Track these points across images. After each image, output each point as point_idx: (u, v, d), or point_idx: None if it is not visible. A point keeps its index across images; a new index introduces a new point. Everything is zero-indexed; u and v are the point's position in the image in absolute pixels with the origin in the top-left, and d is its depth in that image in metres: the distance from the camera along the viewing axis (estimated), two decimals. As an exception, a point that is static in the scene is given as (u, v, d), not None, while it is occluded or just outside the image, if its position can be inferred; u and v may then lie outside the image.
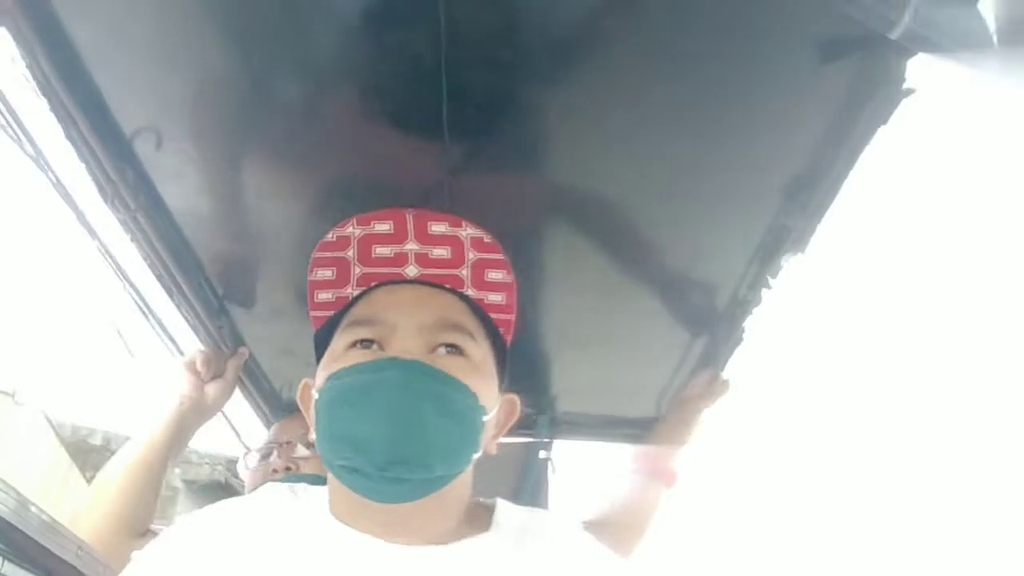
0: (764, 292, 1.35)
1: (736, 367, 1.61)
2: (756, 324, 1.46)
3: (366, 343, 0.94)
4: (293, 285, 1.47)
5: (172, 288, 1.41)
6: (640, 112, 1.06)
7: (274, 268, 1.45)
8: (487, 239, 1.03)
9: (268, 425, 1.95)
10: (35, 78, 1.00)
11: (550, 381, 1.74)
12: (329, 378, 0.92)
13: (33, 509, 0.97)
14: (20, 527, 0.94)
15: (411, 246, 1.02)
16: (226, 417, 1.80)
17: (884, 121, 0.97)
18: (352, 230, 1.03)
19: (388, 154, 1.16)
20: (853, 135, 1.03)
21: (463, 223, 1.03)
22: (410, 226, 1.02)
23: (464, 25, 0.94)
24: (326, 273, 1.03)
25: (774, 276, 1.31)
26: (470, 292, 1.02)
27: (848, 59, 0.95)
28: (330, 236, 1.04)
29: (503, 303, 1.03)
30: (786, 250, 1.25)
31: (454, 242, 1.02)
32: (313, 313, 1.05)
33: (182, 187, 1.24)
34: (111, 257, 1.36)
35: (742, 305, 1.42)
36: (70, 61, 1.02)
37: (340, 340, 0.96)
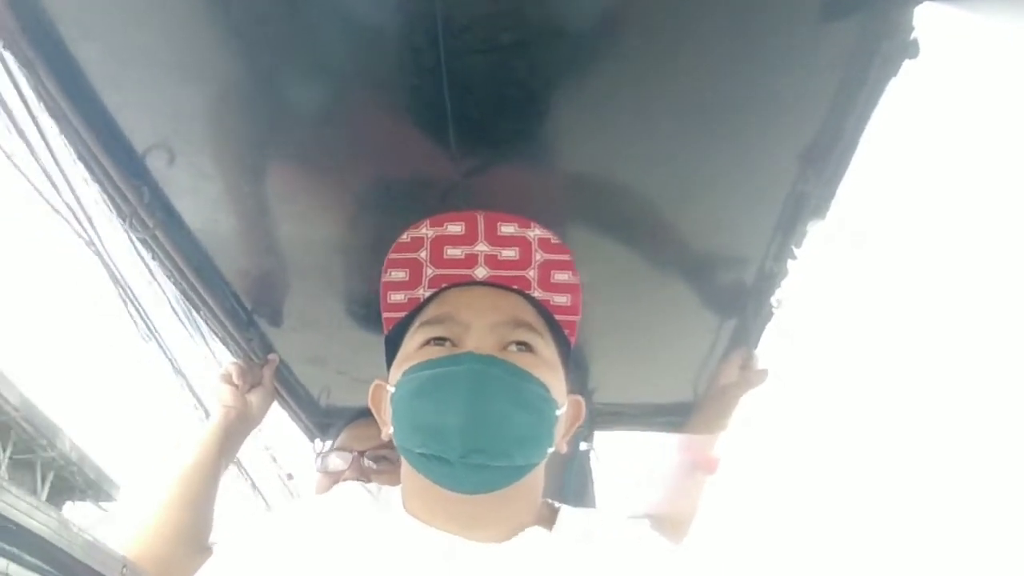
0: (790, 263, 1.32)
1: (769, 350, 1.59)
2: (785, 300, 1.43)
3: (439, 341, 0.97)
4: (319, 293, 1.48)
5: (199, 303, 1.43)
6: (649, 93, 1.04)
7: (299, 277, 1.46)
8: (554, 240, 1.07)
9: (310, 434, 1.97)
10: (43, 100, 1.02)
11: (586, 374, 1.73)
12: (407, 372, 0.95)
13: (74, 528, 0.99)
14: (63, 547, 0.95)
15: (481, 247, 1.05)
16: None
17: (894, 73, 0.94)
18: (426, 231, 1.07)
19: (401, 155, 1.16)
20: (863, 92, 1.00)
21: (532, 224, 1.07)
22: (481, 227, 1.06)
23: (462, 16, 0.94)
24: (400, 274, 1.07)
25: (798, 245, 1.28)
26: (536, 293, 1.04)
27: (853, 14, 0.92)
28: (404, 237, 1.08)
29: (568, 304, 1.06)
30: (807, 217, 1.22)
31: (522, 243, 1.06)
32: (386, 314, 1.08)
33: (199, 202, 1.25)
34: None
35: (769, 278, 1.39)
36: (77, 81, 1.04)
37: (413, 339, 0.99)
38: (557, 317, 1.05)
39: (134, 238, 1.23)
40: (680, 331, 1.59)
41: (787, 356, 1.63)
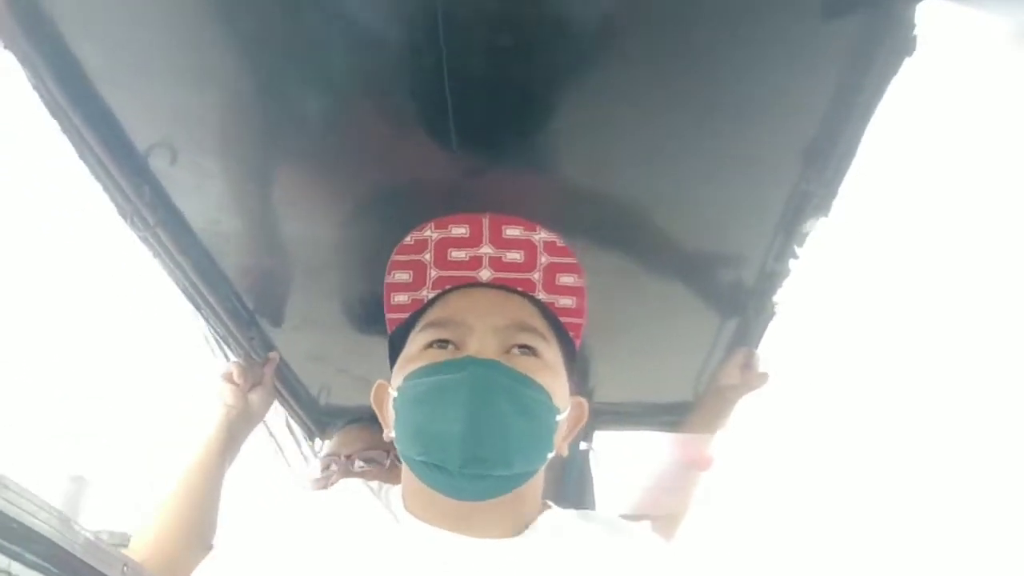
0: (791, 262, 1.32)
1: (770, 350, 1.59)
2: (787, 300, 1.43)
3: (442, 343, 0.97)
4: (320, 292, 1.49)
5: (200, 302, 1.43)
6: (651, 92, 1.04)
7: (301, 276, 1.46)
8: (559, 243, 1.07)
9: (310, 434, 1.97)
10: (43, 99, 1.01)
11: (586, 373, 1.73)
12: (408, 377, 0.95)
13: (76, 527, 0.99)
14: (64, 546, 0.95)
15: (486, 250, 1.06)
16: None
17: (896, 71, 0.94)
18: (430, 233, 1.08)
19: (402, 155, 1.16)
20: (865, 90, 0.99)
21: (537, 227, 1.07)
22: (485, 230, 1.06)
23: (463, 16, 0.93)
24: (403, 276, 1.07)
25: (800, 245, 1.28)
26: (541, 296, 1.05)
27: (854, 11, 0.92)
28: (408, 239, 1.08)
29: (573, 307, 1.07)
30: (809, 216, 1.22)
31: (527, 246, 1.06)
32: (389, 316, 1.08)
33: (200, 200, 1.25)
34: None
35: (770, 278, 1.38)
36: (79, 80, 1.04)
37: (416, 341, 0.99)
38: (562, 320, 1.05)
39: (135, 236, 1.23)
40: (681, 331, 1.59)
41: (788, 356, 1.63)
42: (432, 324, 1.00)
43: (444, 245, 1.06)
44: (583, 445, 1.89)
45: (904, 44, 0.91)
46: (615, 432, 1.92)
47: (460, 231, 1.07)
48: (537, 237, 1.07)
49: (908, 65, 0.92)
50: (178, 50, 1.02)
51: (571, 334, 1.06)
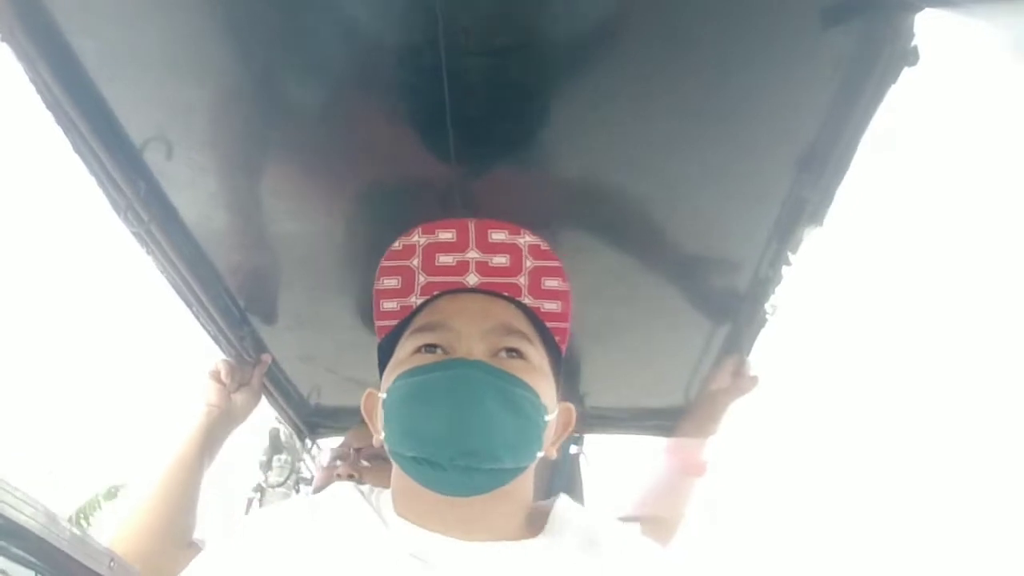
0: (785, 269, 1.32)
1: (762, 356, 1.59)
2: (779, 307, 1.43)
3: (431, 348, 0.98)
4: (313, 292, 1.48)
5: (191, 300, 1.42)
6: (648, 97, 1.04)
7: (293, 275, 1.45)
8: (544, 246, 1.07)
9: (300, 434, 1.97)
10: (39, 92, 1.01)
11: (577, 377, 1.73)
12: (398, 378, 0.95)
13: (63, 523, 0.98)
14: (51, 541, 0.94)
15: (472, 254, 1.06)
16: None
17: (894, 80, 0.95)
18: (417, 239, 1.08)
19: (399, 155, 1.16)
20: (863, 98, 1.00)
21: (522, 231, 1.08)
22: (472, 234, 1.07)
23: (463, 17, 0.93)
24: (392, 282, 1.08)
25: (794, 251, 1.28)
26: (527, 300, 1.05)
27: (853, 21, 0.93)
28: (396, 245, 1.08)
29: (559, 311, 1.07)
30: (804, 223, 1.22)
31: (513, 250, 1.06)
32: (379, 322, 1.09)
33: (195, 197, 1.25)
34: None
35: (764, 284, 1.39)
36: (75, 74, 1.03)
37: (405, 346, 1.00)
38: (547, 324, 1.06)
39: (129, 232, 1.22)
40: (673, 335, 1.59)
41: (780, 361, 1.63)
42: (421, 329, 1.00)
43: (432, 250, 1.07)
44: (573, 449, 1.89)
45: (904, 54, 0.91)
46: (606, 436, 1.92)
47: (447, 236, 1.07)
48: (522, 241, 1.08)
49: (906, 75, 0.92)
50: (176, 45, 1.01)
51: (557, 338, 1.07)
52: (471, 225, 1.07)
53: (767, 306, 1.44)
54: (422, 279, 1.06)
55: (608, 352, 1.64)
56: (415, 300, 1.06)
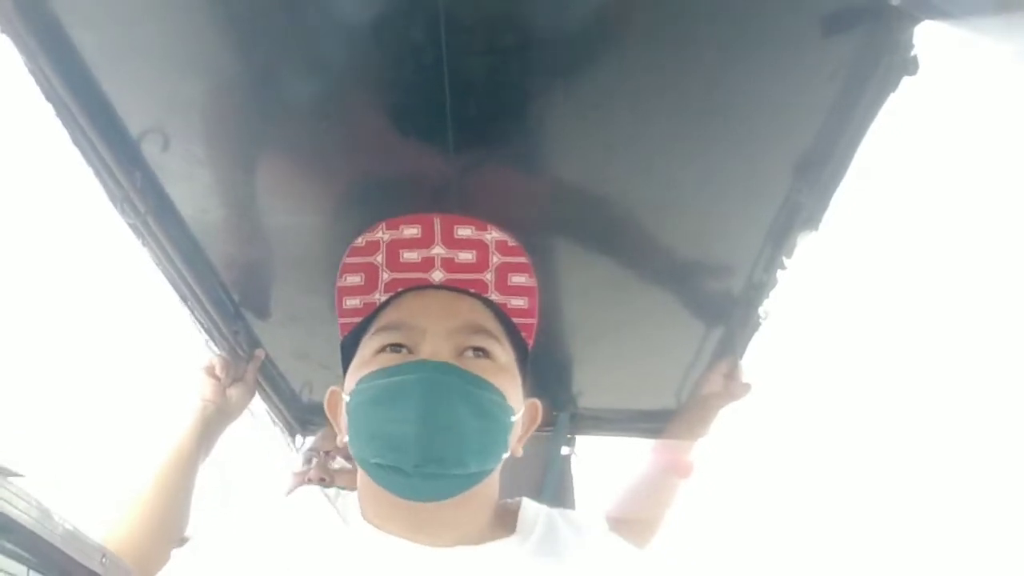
0: (779, 273, 1.33)
1: (754, 361, 1.59)
2: (773, 311, 1.44)
3: (395, 347, 0.96)
4: (307, 288, 1.47)
5: (186, 293, 1.41)
6: (647, 99, 1.05)
7: (288, 271, 1.45)
8: (511, 242, 1.06)
9: (291, 430, 1.96)
10: (39, 84, 1.00)
11: (570, 379, 1.73)
12: (360, 381, 0.94)
13: (56, 518, 0.98)
14: (44, 536, 0.94)
15: (438, 250, 1.04)
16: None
17: (893, 89, 0.95)
18: (381, 235, 1.06)
19: (397, 151, 1.16)
20: (861, 105, 1.01)
21: (488, 227, 1.06)
22: (437, 230, 1.05)
23: (464, 16, 0.94)
24: (355, 279, 1.06)
25: (789, 256, 1.29)
26: (494, 296, 1.04)
27: (853, 29, 0.93)
28: (359, 241, 1.06)
29: (525, 307, 1.05)
30: (799, 228, 1.22)
31: (479, 246, 1.05)
32: (341, 320, 1.07)
33: (192, 190, 1.24)
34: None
35: (757, 288, 1.39)
36: (74, 65, 1.03)
37: (369, 345, 0.98)
38: (514, 320, 1.05)
39: (125, 223, 1.22)
40: (666, 338, 1.59)
41: (773, 366, 1.64)
42: (385, 328, 0.99)
43: (396, 246, 1.05)
44: (565, 450, 1.90)
45: (904, 63, 0.92)
46: (597, 437, 1.93)
47: (412, 231, 1.05)
48: (489, 237, 1.06)
49: (905, 84, 0.93)
50: (175, 39, 1.01)
51: (523, 334, 1.05)
52: (437, 221, 1.05)
53: (761, 310, 1.44)
54: (386, 276, 1.04)
55: (601, 354, 1.64)
56: (379, 297, 1.04)
